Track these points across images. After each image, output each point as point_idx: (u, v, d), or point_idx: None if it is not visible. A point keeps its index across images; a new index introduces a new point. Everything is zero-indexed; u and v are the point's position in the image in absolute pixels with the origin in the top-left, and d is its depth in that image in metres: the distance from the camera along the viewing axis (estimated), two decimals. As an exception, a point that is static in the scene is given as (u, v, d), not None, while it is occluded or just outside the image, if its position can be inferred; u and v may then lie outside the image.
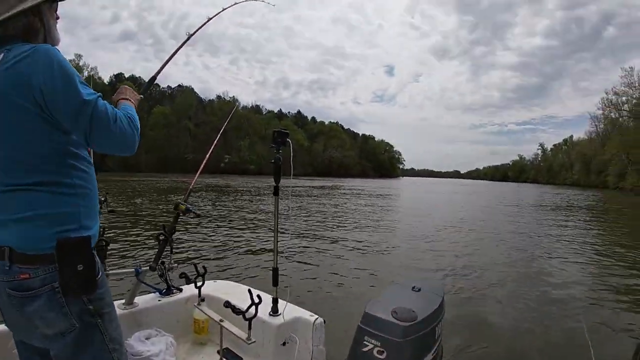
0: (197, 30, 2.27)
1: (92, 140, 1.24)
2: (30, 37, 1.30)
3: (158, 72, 2.02)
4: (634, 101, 63.46)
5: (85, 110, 1.19)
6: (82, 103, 1.19)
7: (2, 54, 1.20)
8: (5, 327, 1.73)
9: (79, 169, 1.30)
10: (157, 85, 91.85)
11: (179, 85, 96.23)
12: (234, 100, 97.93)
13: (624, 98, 67.34)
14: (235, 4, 2.64)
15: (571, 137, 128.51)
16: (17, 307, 1.22)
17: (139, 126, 1.37)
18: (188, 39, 2.18)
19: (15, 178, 1.20)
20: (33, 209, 1.20)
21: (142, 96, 1.60)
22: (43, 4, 1.33)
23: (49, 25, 1.35)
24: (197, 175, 2.92)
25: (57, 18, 1.40)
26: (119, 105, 1.43)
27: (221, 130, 3.20)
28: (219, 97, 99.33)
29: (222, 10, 2.53)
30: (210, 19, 2.43)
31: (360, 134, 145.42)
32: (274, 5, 2.93)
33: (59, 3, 1.41)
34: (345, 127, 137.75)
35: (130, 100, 1.49)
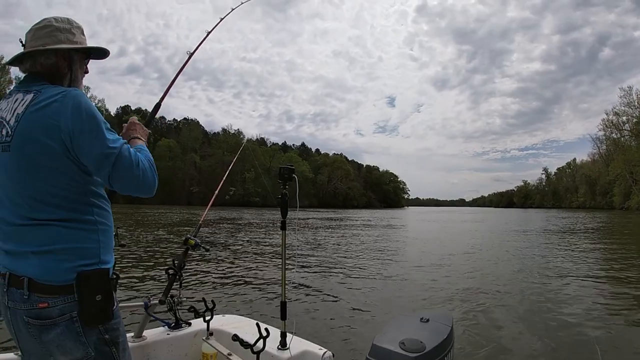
0: (198, 46, 2.34)
1: (114, 182, 1.30)
2: (56, 80, 1.38)
3: (163, 97, 2.08)
4: (635, 120, 63.70)
5: (110, 155, 1.27)
6: (108, 149, 1.27)
7: (32, 94, 1.28)
8: (14, 356, 1.74)
9: (99, 207, 1.37)
10: (163, 118, 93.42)
11: (185, 119, 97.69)
12: (239, 133, 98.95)
13: (624, 118, 68.31)
14: (232, 10, 2.70)
15: (574, 160, 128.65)
16: (35, 335, 1.25)
17: (156, 170, 1.42)
18: (190, 56, 2.24)
19: (39, 213, 1.26)
20: (55, 243, 1.25)
21: (150, 131, 1.66)
22: (75, 53, 1.42)
23: (76, 73, 1.44)
24: (206, 210, 2.97)
25: (86, 72, 1.50)
26: (132, 143, 1.48)
27: (230, 166, 3.26)
28: (224, 130, 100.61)
29: (220, 21, 2.57)
30: (209, 32, 2.45)
31: (365, 165, 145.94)
32: None
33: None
34: (349, 158, 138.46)
35: (142, 139, 1.55)
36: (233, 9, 2.71)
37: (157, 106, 2.04)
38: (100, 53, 1.53)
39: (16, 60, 1.38)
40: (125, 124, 1.60)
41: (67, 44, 1.39)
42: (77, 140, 1.24)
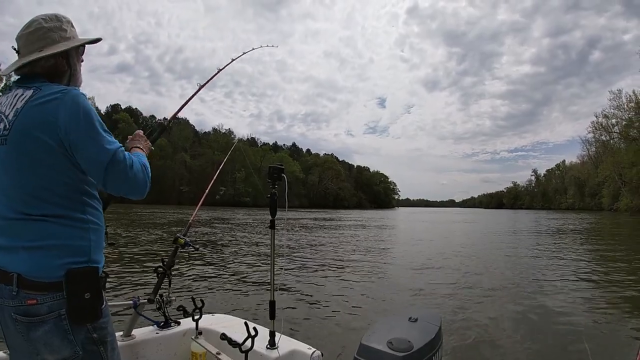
0: (208, 82, 2.47)
1: (108, 183, 1.31)
2: (56, 78, 1.39)
3: (171, 120, 2.15)
4: (624, 122, 64.35)
5: (105, 156, 1.28)
6: (103, 150, 1.28)
7: (32, 91, 1.29)
8: (3, 354, 1.73)
9: (92, 206, 1.37)
10: (153, 117, 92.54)
11: (175, 117, 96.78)
12: (230, 133, 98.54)
13: (613, 120, 68.63)
14: (244, 53, 2.83)
15: (564, 161, 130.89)
16: (23, 333, 1.24)
17: (150, 174, 1.45)
18: (200, 88, 2.34)
19: (33, 208, 1.26)
20: (47, 239, 1.25)
21: (152, 148, 1.70)
22: (71, 49, 1.42)
23: (75, 68, 1.46)
24: (196, 209, 2.97)
25: (82, 61, 1.51)
26: (132, 152, 1.52)
27: (221, 166, 3.28)
28: (214, 129, 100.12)
29: (231, 61, 2.70)
30: (220, 70, 2.58)
31: (355, 166, 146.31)
32: (277, 47, 3.15)
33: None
34: (340, 158, 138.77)
35: (142, 150, 1.59)
36: (245, 52, 2.86)
37: (164, 127, 2.09)
38: (93, 40, 1.53)
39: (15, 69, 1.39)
40: (130, 136, 1.65)
41: (63, 41, 1.39)
42: (74, 139, 1.25)
